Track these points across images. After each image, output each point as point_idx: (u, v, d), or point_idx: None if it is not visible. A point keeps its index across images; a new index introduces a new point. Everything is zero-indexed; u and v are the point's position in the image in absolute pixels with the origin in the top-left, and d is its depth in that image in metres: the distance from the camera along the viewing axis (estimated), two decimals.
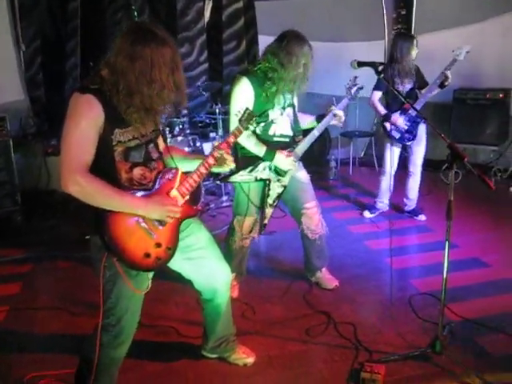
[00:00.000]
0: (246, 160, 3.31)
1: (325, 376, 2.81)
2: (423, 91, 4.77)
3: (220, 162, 2.45)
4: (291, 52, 3.13)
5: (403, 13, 6.99)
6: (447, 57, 4.41)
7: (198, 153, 5.69)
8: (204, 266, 2.59)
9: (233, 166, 2.51)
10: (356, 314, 3.42)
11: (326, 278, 3.78)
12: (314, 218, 3.59)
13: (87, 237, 2.21)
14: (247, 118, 2.51)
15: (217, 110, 5.81)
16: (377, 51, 7.18)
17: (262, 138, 3.29)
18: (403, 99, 3.21)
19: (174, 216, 2.27)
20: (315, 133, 3.42)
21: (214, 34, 7.48)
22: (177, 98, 2.21)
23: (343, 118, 3.43)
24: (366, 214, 5.29)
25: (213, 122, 6.26)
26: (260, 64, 3.23)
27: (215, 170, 2.51)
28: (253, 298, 3.63)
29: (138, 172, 2.24)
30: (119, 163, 2.18)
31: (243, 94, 3.19)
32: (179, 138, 5.70)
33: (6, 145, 5.17)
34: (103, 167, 2.13)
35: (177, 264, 2.51)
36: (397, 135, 4.83)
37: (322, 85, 5.83)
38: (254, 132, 3.23)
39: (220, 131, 5.86)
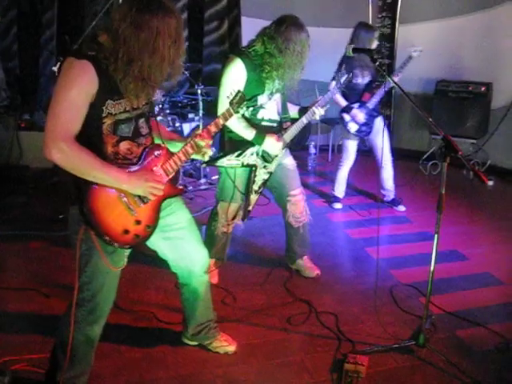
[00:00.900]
0: (232, 143, 3.24)
1: (307, 366, 2.77)
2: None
3: (198, 150, 2.39)
4: (290, 38, 3.03)
5: (389, 1, 6.94)
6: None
7: (177, 133, 5.60)
8: (181, 247, 2.53)
9: (211, 153, 2.44)
10: (337, 304, 3.39)
11: (308, 266, 3.74)
12: (299, 205, 3.54)
13: (61, 216, 2.16)
14: (238, 100, 2.44)
15: (198, 91, 5.69)
16: None
17: (251, 122, 3.21)
18: (403, 92, 3.17)
19: (158, 194, 2.21)
20: (303, 120, 3.37)
21: (195, 14, 7.33)
22: (172, 70, 2.13)
23: (323, 113, 3.41)
24: (337, 205, 5.24)
25: (192, 102, 6.15)
26: (254, 46, 3.13)
27: (193, 156, 2.44)
28: (233, 285, 3.58)
29: (124, 146, 2.17)
30: (107, 136, 2.10)
31: (236, 76, 3.08)
32: (158, 118, 5.54)
33: None
34: (89, 138, 2.06)
35: (154, 242, 2.46)
36: (354, 127, 4.86)
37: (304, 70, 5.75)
38: (242, 115, 3.15)
39: (200, 112, 5.74)
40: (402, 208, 5.14)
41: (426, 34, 6.52)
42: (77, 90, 1.97)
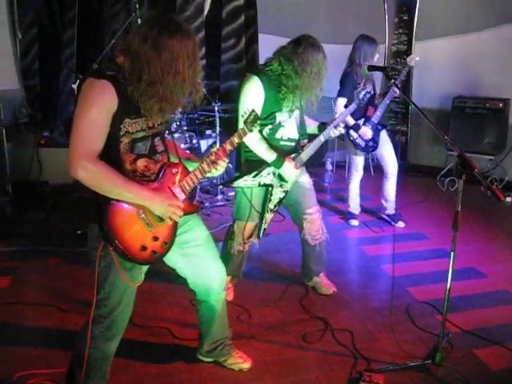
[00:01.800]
0: (249, 164, 3.25)
1: None
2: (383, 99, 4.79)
3: (214, 166, 2.41)
4: (307, 60, 3.03)
5: (405, 18, 6.95)
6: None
7: (194, 150, 5.66)
8: (199, 264, 2.55)
9: (222, 171, 2.46)
10: (353, 321, 3.37)
11: (324, 283, 3.73)
12: (315, 223, 3.54)
13: (79, 232, 2.19)
14: (252, 120, 2.47)
15: (216, 108, 5.73)
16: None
17: (269, 142, 3.21)
18: (416, 108, 3.17)
19: (175, 219, 2.25)
20: (321, 138, 3.36)
21: (213, 31, 7.41)
22: (193, 89, 2.18)
23: (343, 131, 3.43)
24: (354, 222, 5.21)
25: (210, 119, 6.20)
26: (271, 65, 3.14)
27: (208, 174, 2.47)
28: (248, 302, 3.57)
29: (141, 163, 2.22)
30: (124, 154, 2.15)
31: (253, 94, 3.10)
32: (176, 135, 5.62)
33: None
34: (107, 156, 2.09)
35: (172, 259, 2.49)
36: (362, 144, 4.86)
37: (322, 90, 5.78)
38: (261, 134, 3.16)
39: (217, 129, 5.79)
40: (401, 224, 5.08)
41: (442, 51, 6.50)
42: (97, 108, 2.02)
